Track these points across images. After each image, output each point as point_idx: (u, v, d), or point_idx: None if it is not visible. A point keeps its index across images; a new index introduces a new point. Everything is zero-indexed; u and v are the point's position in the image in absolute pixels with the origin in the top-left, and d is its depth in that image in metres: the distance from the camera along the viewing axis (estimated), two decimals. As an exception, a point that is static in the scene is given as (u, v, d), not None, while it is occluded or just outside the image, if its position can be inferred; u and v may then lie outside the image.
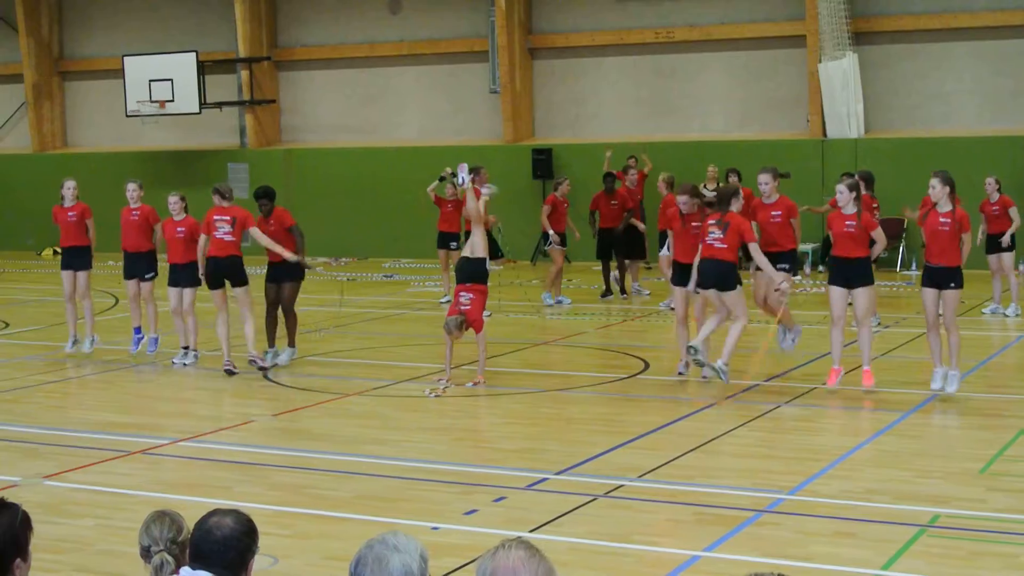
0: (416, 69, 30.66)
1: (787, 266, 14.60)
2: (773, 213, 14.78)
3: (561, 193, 21.82)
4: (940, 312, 13.56)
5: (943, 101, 26.31)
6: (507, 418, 13.73)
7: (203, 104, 30.64)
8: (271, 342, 16.58)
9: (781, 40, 27.24)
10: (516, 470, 11.10)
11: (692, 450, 11.68)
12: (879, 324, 18.42)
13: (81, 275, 17.34)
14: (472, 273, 15.23)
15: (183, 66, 30.49)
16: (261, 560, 5.01)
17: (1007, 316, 19.19)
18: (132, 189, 17.36)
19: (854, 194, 13.96)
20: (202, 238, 16.14)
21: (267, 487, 10.80)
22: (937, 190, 13.47)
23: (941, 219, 13.42)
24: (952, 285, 13.41)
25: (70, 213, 17.43)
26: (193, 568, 4.71)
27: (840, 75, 25.94)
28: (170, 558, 5.06)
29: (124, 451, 12.13)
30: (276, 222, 16.42)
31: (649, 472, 10.92)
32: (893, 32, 26.45)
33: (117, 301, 22.86)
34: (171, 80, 30.52)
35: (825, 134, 26.47)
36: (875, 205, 18.69)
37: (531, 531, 9.19)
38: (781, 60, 27.37)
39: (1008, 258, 19.22)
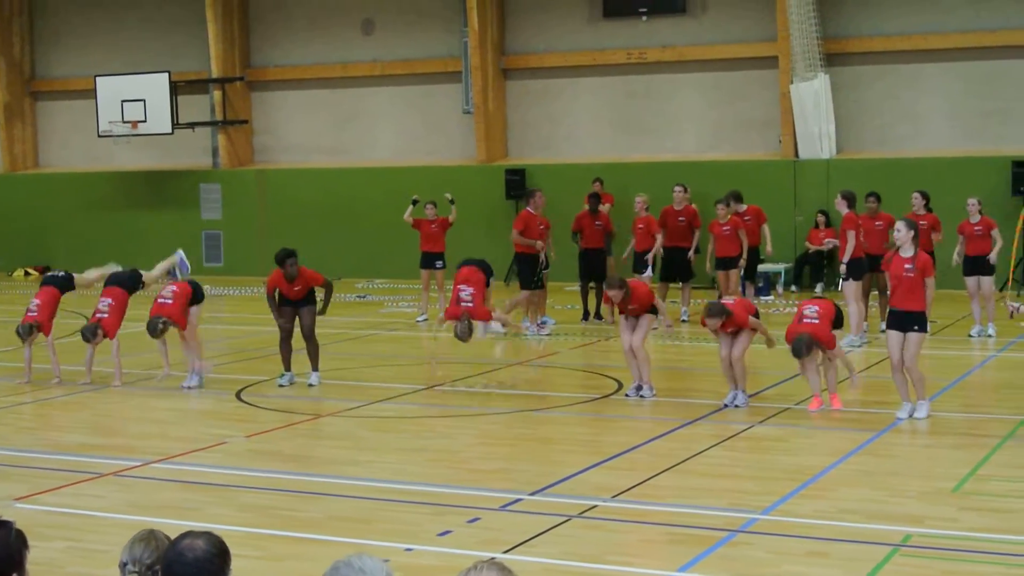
0: (389, 90, 30.66)
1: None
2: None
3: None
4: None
5: (914, 122, 26.45)
6: (481, 438, 13.72)
7: (175, 124, 30.58)
8: (287, 366, 16.54)
9: (753, 61, 27.35)
10: (490, 491, 11.08)
11: (666, 470, 11.68)
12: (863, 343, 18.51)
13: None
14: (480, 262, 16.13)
15: (155, 86, 30.44)
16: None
17: (990, 336, 19.13)
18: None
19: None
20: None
21: (239, 508, 10.75)
22: (902, 234, 13.61)
23: (906, 265, 13.54)
24: (916, 328, 13.53)
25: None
26: (165, 591, 4.68)
27: (812, 96, 26.05)
28: None
29: (96, 473, 12.06)
30: (303, 284, 16.33)
31: (623, 492, 10.91)
32: (865, 53, 26.59)
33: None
34: (143, 100, 30.46)
35: (797, 155, 26.58)
36: (860, 223, 18.78)
37: (505, 552, 9.17)
38: (753, 81, 27.47)
39: (988, 282, 19.17)
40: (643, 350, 15.11)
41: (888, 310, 14.01)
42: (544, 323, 21.07)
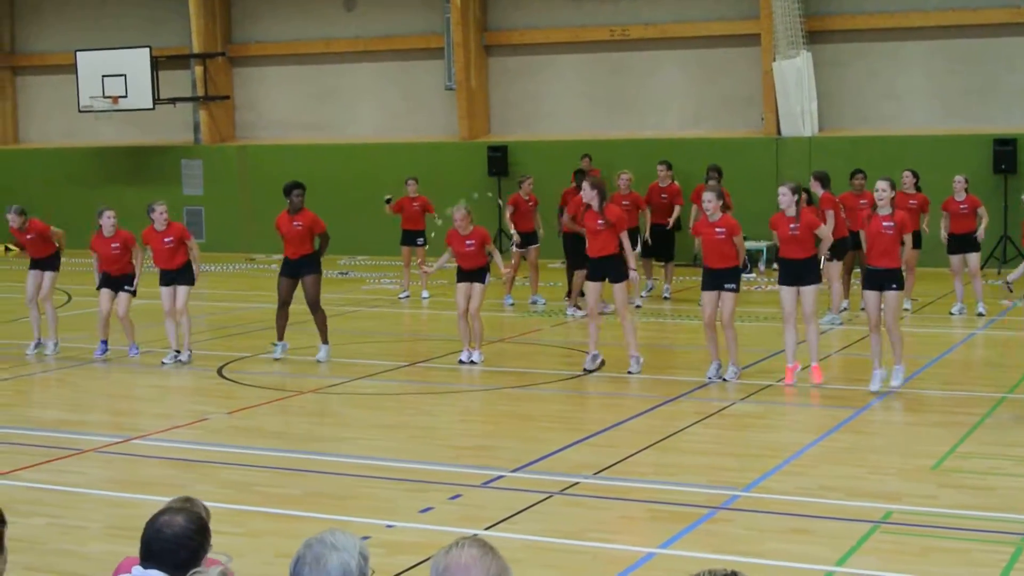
0: (371, 66, 30.56)
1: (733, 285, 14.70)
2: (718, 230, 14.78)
3: (525, 192, 21.32)
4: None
5: (896, 100, 26.46)
6: (463, 415, 13.73)
7: (156, 100, 30.42)
8: (280, 336, 16.53)
9: (735, 39, 27.31)
10: (471, 468, 11.08)
11: (647, 447, 11.69)
12: (841, 323, 18.56)
13: (47, 276, 17.26)
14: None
15: (136, 61, 30.27)
16: (216, 557, 4.95)
17: (981, 314, 19.03)
18: (109, 218, 16.77)
19: (796, 196, 14.42)
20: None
21: (220, 485, 10.74)
22: (885, 193, 13.72)
23: (884, 223, 13.68)
24: (893, 286, 13.73)
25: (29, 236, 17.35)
26: (144, 567, 4.66)
27: (794, 73, 26.04)
28: None
29: (77, 449, 12.04)
30: (305, 222, 16.31)
31: (604, 469, 10.93)
32: (847, 31, 26.57)
33: (70, 298, 22.69)
34: (124, 75, 30.29)
35: (779, 132, 26.57)
36: (837, 200, 18.72)
37: (486, 529, 9.18)
38: (735, 58, 27.44)
39: (974, 259, 19.08)
40: (626, 319, 15.21)
41: (865, 269, 14.08)
42: (535, 301, 21.10)
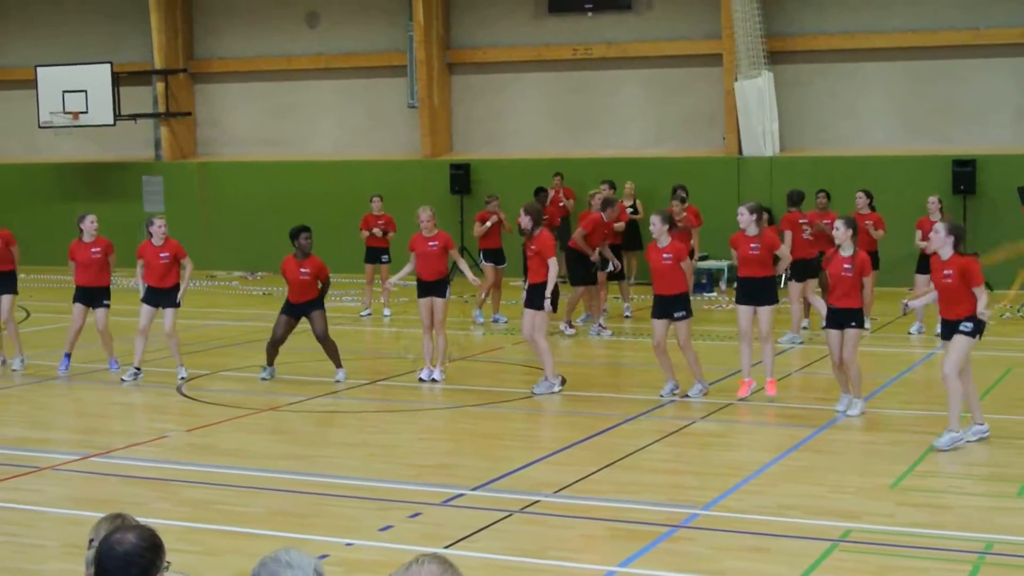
0: (334, 83, 30.54)
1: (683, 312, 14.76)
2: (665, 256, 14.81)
3: (492, 210, 21.55)
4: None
5: (857, 120, 26.63)
6: (424, 433, 13.70)
7: (117, 116, 30.29)
8: (270, 362, 16.38)
9: (698, 58, 27.45)
10: (432, 486, 11.07)
11: (608, 466, 11.70)
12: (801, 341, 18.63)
13: (5, 298, 17.16)
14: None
15: (97, 77, 30.14)
16: (172, 577, 4.92)
17: (939, 335, 19.05)
18: (92, 222, 16.83)
19: (755, 216, 14.56)
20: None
21: (179, 503, 10.68)
22: (841, 232, 13.85)
23: (844, 264, 13.77)
24: (853, 324, 13.78)
25: None
26: (98, 585, 4.64)
27: (756, 93, 26.17)
28: None
29: (34, 467, 11.95)
30: (313, 268, 16.25)
31: (565, 488, 10.93)
32: (808, 51, 26.73)
33: (28, 315, 22.55)
34: (85, 91, 30.16)
35: (741, 152, 26.69)
36: (803, 221, 18.74)
37: (446, 547, 9.16)
38: (697, 78, 27.57)
39: None
40: (543, 341, 15.25)
41: (827, 308, 14.16)
42: (496, 320, 21.17)
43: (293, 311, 16.26)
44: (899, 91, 26.34)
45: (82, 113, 30.24)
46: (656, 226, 14.70)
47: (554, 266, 15.12)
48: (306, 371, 16.84)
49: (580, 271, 19.70)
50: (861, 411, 13.81)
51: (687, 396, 14.65)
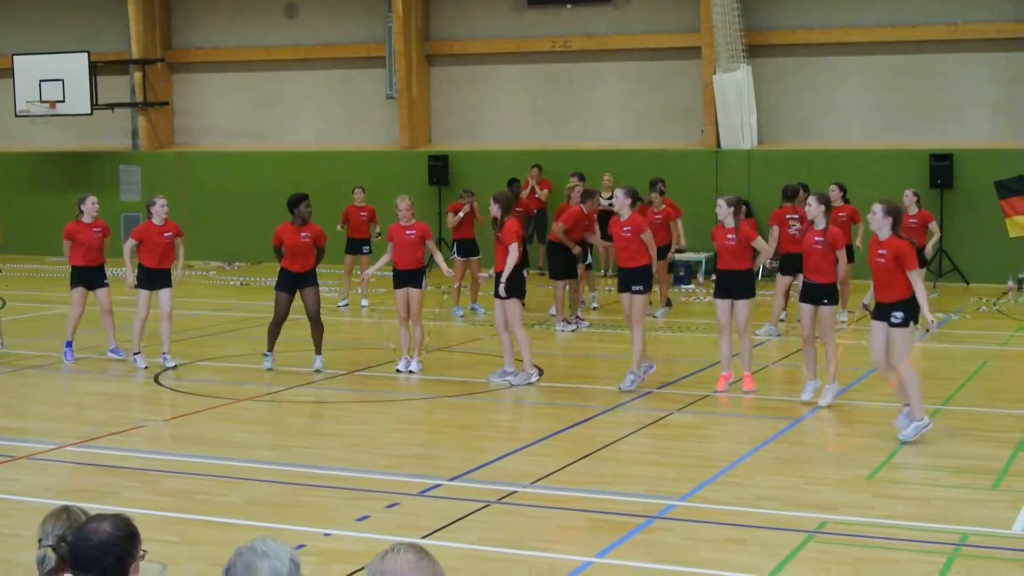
0: (312, 74, 30.49)
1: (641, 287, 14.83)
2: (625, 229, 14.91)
3: (465, 200, 21.63)
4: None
5: (834, 114, 26.69)
6: (401, 424, 13.70)
7: (95, 105, 30.19)
8: (271, 347, 16.32)
9: (676, 51, 27.46)
10: (409, 476, 11.07)
11: (585, 456, 11.72)
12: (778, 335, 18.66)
13: None
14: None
15: (75, 66, 30.03)
16: (149, 567, 4.92)
17: (927, 331, 19.10)
18: (93, 204, 17.01)
19: (732, 209, 14.60)
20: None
21: (157, 493, 10.66)
22: (813, 208, 13.93)
23: (816, 238, 13.83)
24: (826, 301, 13.82)
25: None
26: (74, 575, 4.64)
27: (734, 87, 26.22)
28: (52, 554, 4.96)
29: (9, 456, 11.92)
30: (312, 233, 16.21)
31: (542, 478, 10.94)
32: (786, 45, 26.78)
33: (4, 303, 22.45)
34: (62, 80, 30.04)
35: (719, 145, 26.73)
36: (791, 216, 18.62)
37: (423, 537, 9.17)
38: (676, 71, 27.59)
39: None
40: (520, 331, 15.26)
41: (803, 282, 14.25)
42: (474, 310, 21.16)
43: (289, 285, 16.15)
44: (877, 85, 26.40)
45: (59, 102, 30.13)
46: (619, 199, 14.79)
47: (514, 252, 15.11)
48: (284, 361, 16.80)
49: (561, 265, 19.66)
50: (833, 399, 13.83)
51: (620, 388, 14.66)
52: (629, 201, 14.81)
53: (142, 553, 4.78)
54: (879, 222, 12.46)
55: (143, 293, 16.37)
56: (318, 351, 16.24)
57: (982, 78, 25.75)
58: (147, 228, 16.47)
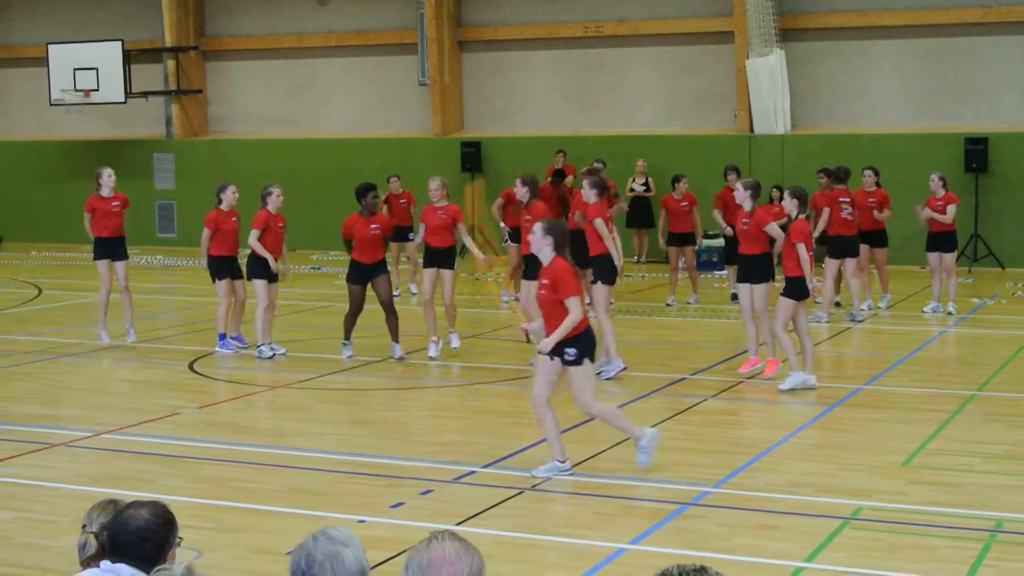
0: (344, 61, 30.52)
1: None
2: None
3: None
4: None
5: (868, 98, 26.57)
6: (434, 411, 13.73)
7: (128, 93, 30.31)
8: (347, 336, 16.24)
9: (709, 36, 27.39)
10: (443, 463, 11.09)
11: (619, 443, 11.70)
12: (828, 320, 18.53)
13: None
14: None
15: (108, 55, 30.15)
16: (185, 553, 4.95)
17: (951, 314, 19.03)
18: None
19: (749, 192, 14.60)
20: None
21: (193, 480, 10.72)
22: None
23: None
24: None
25: None
26: (112, 561, 4.68)
27: (767, 71, 26.12)
28: (94, 541, 5.00)
29: (46, 443, 11.99)
30: (382, 224, 16.17)
31: (576, 465, 10.94)
32: (820, 29, 26.68)
33: (40, 292, 22.60)
34: (96, 69, 30.17)
35: (752, 130, 26.65)
36: (844, 200, 18.45)
37: (457, 524, 9.18)
38: (709, 56, 27.51)
39: (949, 258, 18.89)
40: (603, 317, 15.18)
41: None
42: (517, 299, 21.07)
43: (360, 278, 15.97)
44: (910, 69, 26.26)
45: (93, 91, 30.26)
46: (585, 189, 14.83)
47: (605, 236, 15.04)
48: (317, 348, 16.86)
49: (581, 254, 19.57)
50: (791, 387, 13.88)
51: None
52: (594, 191, 14.68)
53: (179, 540, 4.82)
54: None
55: (246, 281, 16.98)
56: (395, 339, 16.09)
57: (1016, 61, 25.58)
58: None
